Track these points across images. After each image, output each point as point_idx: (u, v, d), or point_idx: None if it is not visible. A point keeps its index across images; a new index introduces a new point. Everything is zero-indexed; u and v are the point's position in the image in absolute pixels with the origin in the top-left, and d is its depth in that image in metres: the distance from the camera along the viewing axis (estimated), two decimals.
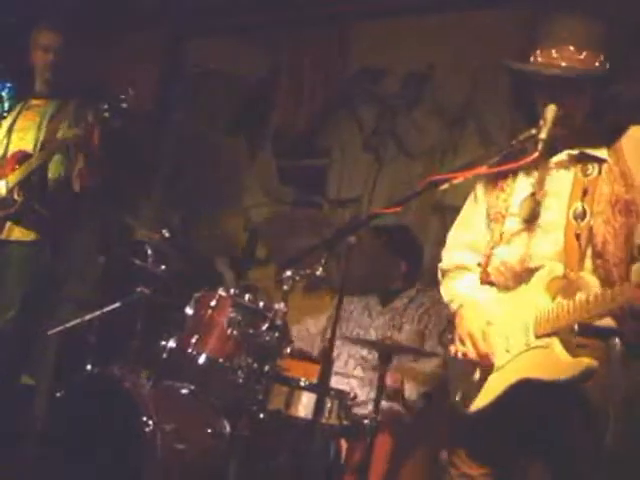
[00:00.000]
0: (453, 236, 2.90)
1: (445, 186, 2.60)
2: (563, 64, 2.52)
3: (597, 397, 2.40)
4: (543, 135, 2.52)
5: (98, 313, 4.26)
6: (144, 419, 3.36)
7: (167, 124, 6.17)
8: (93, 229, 5.57)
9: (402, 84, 5.35)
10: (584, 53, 2.52)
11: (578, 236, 2.48)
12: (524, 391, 2.44)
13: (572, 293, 2.42)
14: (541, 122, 2.54)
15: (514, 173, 2.70)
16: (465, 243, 2.83)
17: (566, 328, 2.38)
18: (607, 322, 2.39)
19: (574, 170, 2.57)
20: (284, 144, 5.77)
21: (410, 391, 4.12)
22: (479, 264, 2.75)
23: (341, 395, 3.72)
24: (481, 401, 2.57)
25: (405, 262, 4.45)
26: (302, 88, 5.76)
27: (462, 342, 2.62)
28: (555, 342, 2.39)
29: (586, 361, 2.33)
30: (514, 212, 2.65)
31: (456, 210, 2.96)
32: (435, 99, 5.19)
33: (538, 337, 2.44)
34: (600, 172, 2.53)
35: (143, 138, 5.91)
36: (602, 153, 2.55)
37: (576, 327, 2.36)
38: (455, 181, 2.59)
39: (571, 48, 2.52)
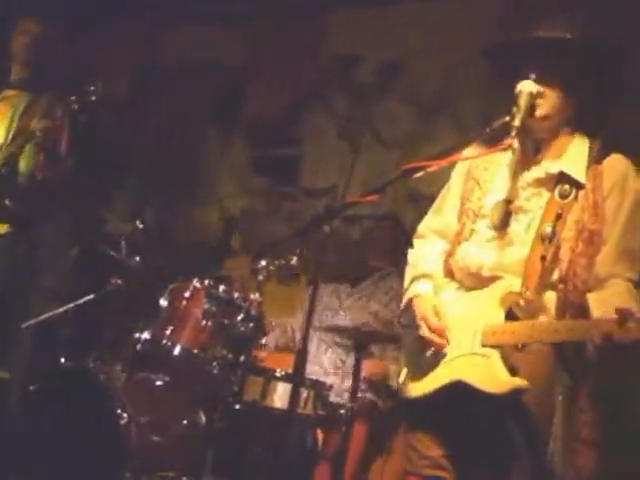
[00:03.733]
0: (425, 222, 2.90)
1: (420, 174, 2.58)
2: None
3: (536, 408, 2.44)
4: (517, 122, 2.51)
5: (72, 305, 4.22)
6: (119, 411, 3.34)
7: (143, 114, 6.12)
8: (66, 221, 5.52)
9: (376, 72, 5.34)
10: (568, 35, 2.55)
11: (543, 258, 2.49)
12: (463, 389, 2.46)
13: (525, 313, 2.46)
14: (514, 109, 2.54)
15: (493, 169, 2.70)
16: (435, 229, 2.83)
17: (511, 345, 2.43)
18: None
19: (551, 190, 2.57)
20: (258, 134, 5.75)
21: (394, 380, 4.13)
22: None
23: (317, 385, 3.71)
24: (420, 390, 2.59)
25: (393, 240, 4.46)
26: (276, 77, 5.73)
27: (418, 326, 2.62)
28: (495, 355, 2.43)
29: (517, 382, 2.38)
30: (486, 214, 2.65)
31: (432, 199, 2.96)
32: (409, 87, 5.19)
33: (483, 346, 2.47)
34: (576, 197, 2.53)
35: (118, 129, 5.86)
36: (581, 176, 2.55)
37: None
38: (430, 169, 2.57)
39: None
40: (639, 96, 4.00)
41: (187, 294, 3.75)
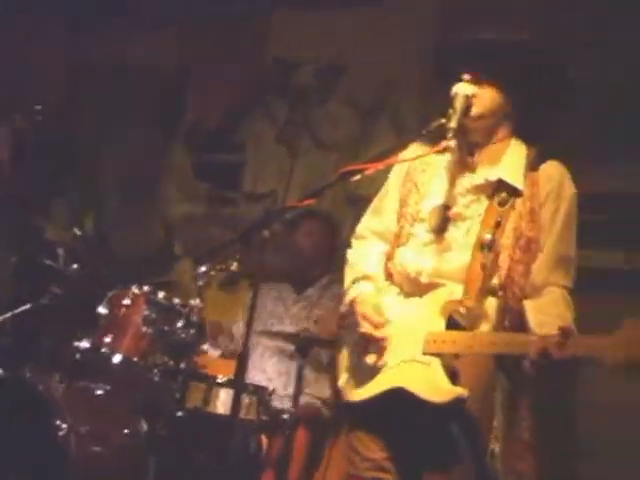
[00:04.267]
0: (364, 223, 2.90)
1: (358, 177, 2.59)
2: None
3: (478, 412, 2.46)
4: (453, 124, 2.53)
5: (9, 315, 4.15)
6: (57, 422, 3.29)
7: (80, 120, 6.04)
8: (4, 230, 5.43)
9: (316, 75, 5.34)
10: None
11: (483, 266, 2.51)
12: (403, 396, 2.46)
13: (466, 321, 2.47)
14: (450, 111, 2.56)
15: (430, 171, 2.71)
16: (374, 231, 2.84)
17: (451, 354, 2.44)
18: None
19: (489, 197, 2.59)
20: (199, 138, 5.71)
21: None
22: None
23: (259, 390, 3.70)
24: (361, 394, 2.59)
25: (329, 243, 4.47)
26: (216, 81, 5.70)
27: (359, 325, 2.62)
28: (436, 363, 2.45)
29: (458, 391, 2.39)
30: (424, 217, 2.66)
31: (369, 200, 2.96)
32: (349, 90, 5.19)
33: (424, 354, 2.48)
34: (514, 205, 2.56)
35: (55, 135, 5.77)
36: (519, 182, 2.58)
37: None
38: (367, 172, 2.58)
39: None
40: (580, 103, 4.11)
41: (127, 301, 3.71)
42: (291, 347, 3.98)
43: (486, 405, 2.49)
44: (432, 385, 2.42)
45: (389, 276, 2.73)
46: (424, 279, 2.58)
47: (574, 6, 4.31)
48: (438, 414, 2.44)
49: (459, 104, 2.55)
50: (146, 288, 3.73)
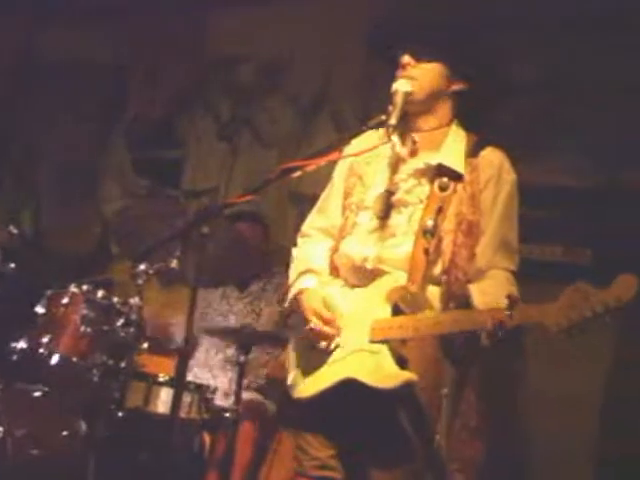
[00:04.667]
0: (309, 222, 2.90)
1: (298, 173, 2.58)
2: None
3: (425, 398, 2.47)
4: (393, 120, 2.54)
5: None
6: None
7: (19, 116, 5.93)
8: None
9: (257, 73, 5.32)
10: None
11: (426, 251, 2.52)
12: (353, 387, 2.45)
13: (411, 306, 2.47)
14: (390, 108, 2.56)
15: (374, 164, 2.72)
16: (320, 228, 2.84)
17: (398, 340, 2.44)
18: None
19: (431, 182, 2.61)
20: (139, 135, 5.65)
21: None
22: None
23: (201, 388, 3.67)
24: (310, 390, 2.57)
25: (265, 240, 4.46)
26: (157, 77, 5.65)
27: (308, 321, 2.61)
28: (384, 350, 2.44)
29: (406, 375, 2.39)
30: (368, 206, 2.67)
31: (313, 198, 2.97)
32: (290, 87, 5.19)
33: (371, 342, 2.48)
34: (455, 190, 2.58)
35: None
36: (459, 167, 2.60)
37: None
38: (308, 168, 2.57)
39: None
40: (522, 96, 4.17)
41: (65, 300, 3.65)
42: (235, 343, 3.96)
43: (434, 392, 2.50)
44: (380, 372, 2.41)
45: (334, 270, 2.72)
46: (369, 265, 2.58)
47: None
48: (387, 403, 2.44)
49: (399, 100, 2.56)
50: (85, 287, 3.67)
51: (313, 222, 2.88)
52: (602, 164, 4.05)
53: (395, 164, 2.68)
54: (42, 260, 4.80)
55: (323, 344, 2.57)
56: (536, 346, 3.75)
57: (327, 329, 2.56)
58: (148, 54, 5.69)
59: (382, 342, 2.45)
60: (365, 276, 2.60)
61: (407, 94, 2.59)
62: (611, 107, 4.12)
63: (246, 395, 3.87)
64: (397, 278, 2.52)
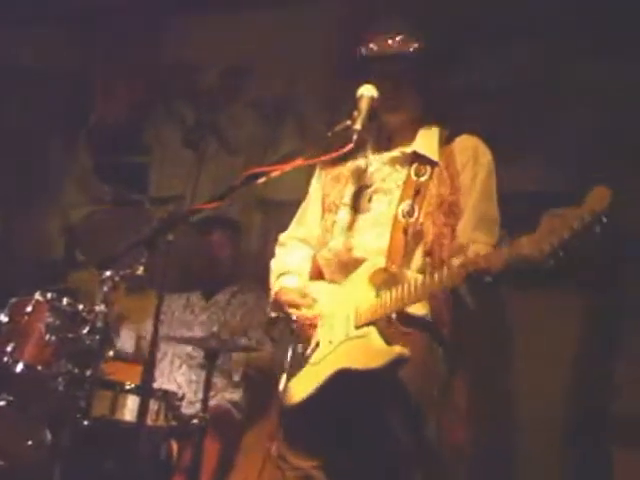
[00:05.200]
0: (287, 233, 2.95)
1: (263, 180, 2.59)
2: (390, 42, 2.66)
3: (416, 387, 2.48)
4: (358, 126, 2.57)
5: None
6: None
7: None
8: None
9: (221, 78, 5.31)
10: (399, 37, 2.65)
11: (405, 232, 2.55)
12: (344, 382, 2.46)
13: (393, 286, 2.47)
14: (355, 113, 2.58)
15: (349, 163, 2.76)
16: (298, 237, 2.89)
17: (383, 318, 2.44)
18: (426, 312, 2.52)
19: (407, 169, 2.65)
20: (102, 140, 5.61)
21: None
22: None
23: (168, 396, 3.65)
24: (300, 394, 2.57)
25: (232, 247, 4.43)
26: (120, 82, 5.61)
27: (289, 315, 2.64)
28: (372, 331, 2.44)
29: (398, 349, 2.37)
30: (346, 202, 2.71)
31: (279, 204, 2.98)
32: (254, 93, 5.18)
33: (357, 328, 2.47)
34: (432, 176, 2.61)
35: None
36: (434, 155, 2.65)
37: (394, 316, 2.43)
38: (273, 174, 2.58)
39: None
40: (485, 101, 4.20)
41: (29, 308, 3.61)
42: (201, 355, 3.94)
43: (425, 376, 2.51)
44: (370, 353, 2.41)
45: (318, 275, 2.76)
46: (357, 253, 2.61)
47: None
48: (376, 400, 2.44)
49: (364, 106, 2.58)
50: (49, 295, 3.64)
51: (291, 232, 2.93)
52: (567, 171, 4.08)
53: (371, 160, 2.75)
54: (5, 268, 4.75)
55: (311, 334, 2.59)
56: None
57: (308, 313, 2.58)
58: (111, 57, 5.65)
59: (369, 324, 2.44)
60: (348, 268, 2.63)
61: (372, 99, 2.61)
62: (573, 113, 4.17)
63: (212, 401, 3.85)
64: (376, 262, 2.54)
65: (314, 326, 2.62)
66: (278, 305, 2.73)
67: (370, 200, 2.67)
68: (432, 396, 2.53)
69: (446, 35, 3.28)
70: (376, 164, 2.72)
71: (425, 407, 2.50)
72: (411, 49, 2.64)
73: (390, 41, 2.65)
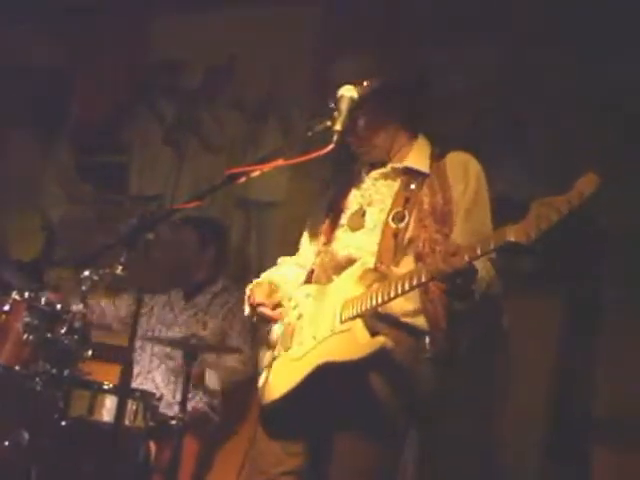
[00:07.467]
0: (282, 258, 2.97)
1: (243, 179, 2.58)
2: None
3: (394, 397, 2.47)
4: (338, 126, 2.55)
5: None
6: None
7: None
8: None
9: (202, 77, 5.30)
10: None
11: (395, 236, 2.55)
12: (326, 375, 2.45)
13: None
14: (336, 113, 2.57)
15: (346, 193, 2.78)
16: (292, 260, 2.92)
17: (369, 311, 2.43)
18: (421, 322, 2.50)
19: (398, 183, 2.67)
20: (83, 139, 5.58)
21: (211, 380, 4.09)
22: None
23: (146, 396, 3.64)
24: (281, 389, 2.56)
25: (213, 247, 4.43)
26: (100, 80, 5.59)
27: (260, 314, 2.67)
28: (357, 324, 2.42)
29: (381, 340, 2.36)
30: (343, 223, 2.72)
31: (260, 205, 2.98)
32: (236, 92, 5.17)
33: (343, 322, 2.47)
34: (423, 186, 2.62)
35: None
36: (425, 168, 2.66)
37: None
38: (253, 174, 2.57)
39: None
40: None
41: (6, 308, 3.60)
42: (179, 355, 3.92)
43: (411, 394, 2.50)
44: (353, 345, 2.40)
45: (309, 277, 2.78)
46: (353, 252, 2.61)
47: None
48: (360, 377, 2.42)
49: (344, 106, 2.57)
50: (27, 294, 3.61)
51: (286, 258, 2.95)
52: (538, 176, 4.10)
53: (363, 180, 2.76)
54: None
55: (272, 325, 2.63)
56: None
57: (270, 313, 2.64)
58: (91, 56, 5.63)
59: (354, 318, 2.43)
60: (340, 272, 2.62)
61: (352, 100, 2.59)
62: (547, 120, 4.19)
63: (190, 404, 3.84)
64: (365, 261, 2.54)
65: (274, 322, 2.66)
66: (248, 304, 2.74)
67: (364, 215, 2.68)
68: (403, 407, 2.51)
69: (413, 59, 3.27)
70: (369, 181, 2.74)
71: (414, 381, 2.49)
72: (363, 91, 2.62)
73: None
